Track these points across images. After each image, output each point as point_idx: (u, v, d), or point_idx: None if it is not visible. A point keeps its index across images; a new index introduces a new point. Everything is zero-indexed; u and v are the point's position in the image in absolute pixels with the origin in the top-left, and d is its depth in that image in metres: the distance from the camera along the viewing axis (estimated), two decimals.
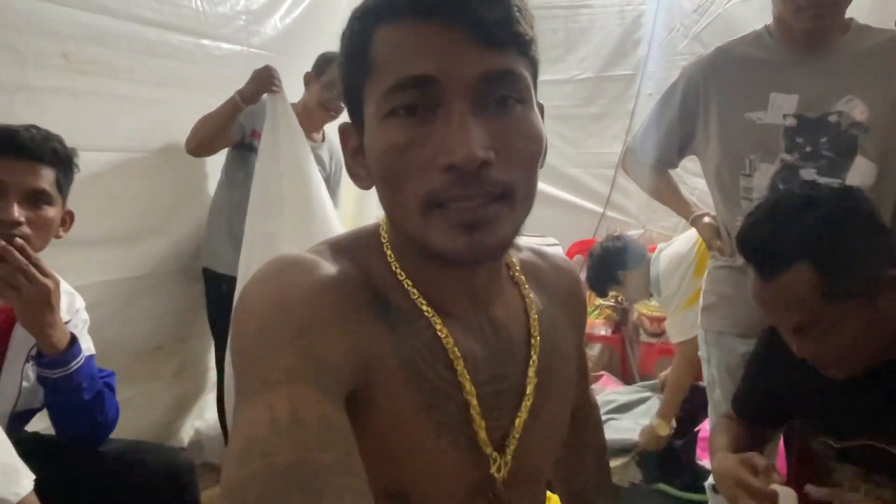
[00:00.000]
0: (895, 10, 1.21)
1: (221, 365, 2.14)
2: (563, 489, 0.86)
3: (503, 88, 0.51)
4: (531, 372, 0.62)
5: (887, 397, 0.94)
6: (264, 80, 1.93)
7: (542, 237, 3.11)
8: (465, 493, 0.59)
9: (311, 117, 2.20)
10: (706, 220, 1.43)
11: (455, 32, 0.49)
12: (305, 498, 0.40)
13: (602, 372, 2.80)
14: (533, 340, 0.63)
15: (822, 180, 1.22)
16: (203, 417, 2.42)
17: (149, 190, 2.07)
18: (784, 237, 0.93)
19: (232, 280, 1.95)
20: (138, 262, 2.07)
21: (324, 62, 2.18)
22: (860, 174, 1.20)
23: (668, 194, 1.54)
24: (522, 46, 0.53)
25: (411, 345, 0.56)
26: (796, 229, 0.92)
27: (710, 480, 1.45)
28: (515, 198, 0.52)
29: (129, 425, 1.95)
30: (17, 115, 1.59)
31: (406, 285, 0.59)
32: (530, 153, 0.53)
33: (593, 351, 2.92)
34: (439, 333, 0.57)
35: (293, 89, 2.14)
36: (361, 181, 0.60)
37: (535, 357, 0.63)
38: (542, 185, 3.15)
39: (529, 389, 0.62)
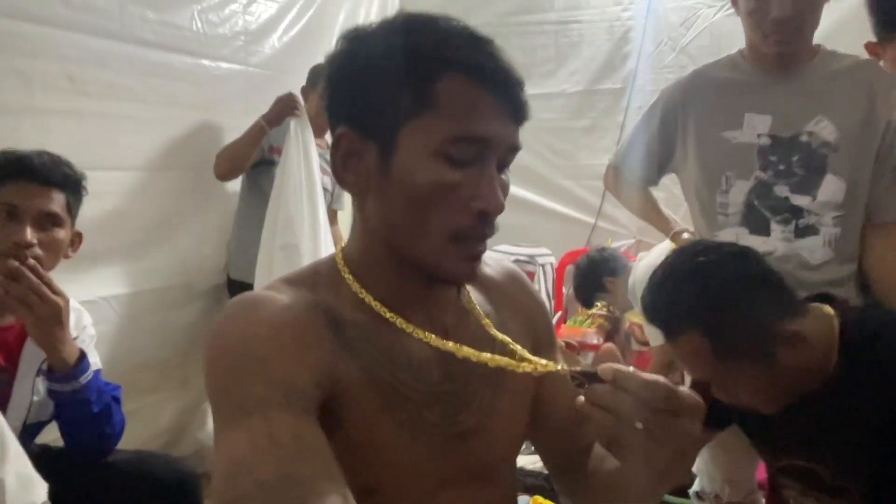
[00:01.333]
0: (854, 37, 1.27)
1: None
2: (577, 476, 0.83)
3: (510, 159, 0.64)
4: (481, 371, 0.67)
5: (809, 424, 0.99)
6: (287, 105, 2.08)
7: (536, 247, 3.17)
8: (431, 484, 0.65)
9: (313, 128, 2.28)
10: (685, 235, 1.49)
11: (505, 108, 0.61)
12: None
13: None
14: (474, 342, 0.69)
15: (795, 197, 1.28)
16: (206, 428, 2.46)
17: (152, 207, 2.12)
18: (674, 306, 0.99)
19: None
20: (142, 277, 2.12)
21: (317, 76, 2.27)
22: (830, 191, 1.27)
23: (649, 211, 1.60)
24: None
25: (369, 353, 0.63)
26: (685, 298, 0.97)
27: (695, 486, 1.50)
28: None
29: (135, 436, 1.98)
30: (23, 136, 1.65)
31: (367, 300, 0.65)
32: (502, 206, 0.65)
33: (587, 360, 2.95)
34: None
35: None
36: (348, 186, 0.65)
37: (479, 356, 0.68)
38: (535, 197, 3.24)
39: (479, 387, 0.69)
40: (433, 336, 0.64)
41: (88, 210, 1.33)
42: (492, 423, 0.69)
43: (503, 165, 0.64)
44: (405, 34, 0.61)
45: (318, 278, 0.67)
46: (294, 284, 0.66)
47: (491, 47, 0.61)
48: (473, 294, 0.74)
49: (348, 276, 0.66)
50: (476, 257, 0.63)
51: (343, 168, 0.64)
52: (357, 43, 0.63)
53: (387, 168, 0.61)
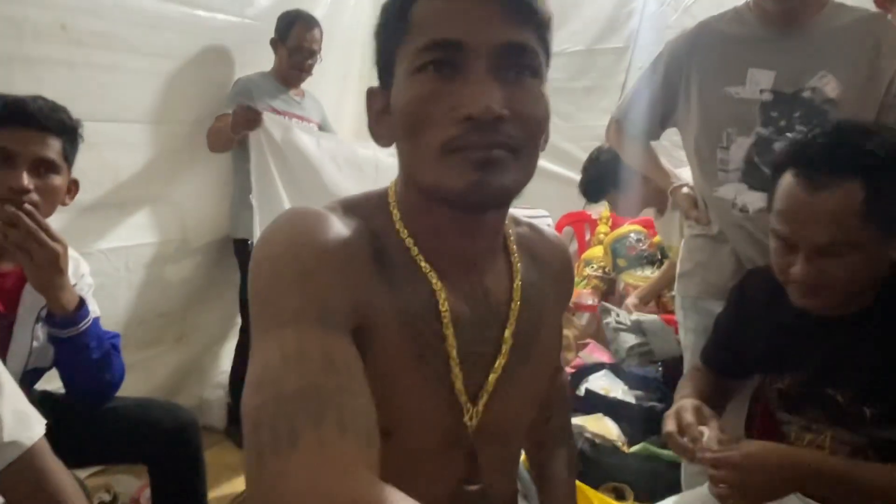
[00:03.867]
0: None
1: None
2: (526, 442, 0.92)
3: (520, 60, 0.58)
4: (507, 334, 0.68)
5: (840, 346, 1.00)
6: (246, 122, 2.10)
7: (533, 209, 3.16)
8: (440, 436, 0.66)
9: (287, 79, 2.34)
10: (685, 190, 1.49)
11: (489, 4, 0.57)
12: (309, 417, 0.46)
13: (589, 340, 2.87)
14: (513, 306, 0.69)
15: None
16: (203, 383, 2.49)
17: (146, 160, 2.11)
18: (845, 152, 0.92)
19: None
20: (138, 230, 2.12)
21: (285, 26, 2.29)
22: None
23: (650, 165, 1.59)
24: (540, 26, 0.60)
25: (408, 300, 0.62)
26: (858, 147, 0.92)
27: None
28: (521, 154, 0.59)
29: (132, 390, 1.97)
30: (14, 85, 1.62)
31: (408, 244, 0.65)
32: (538, 120, 0.60)
33: (581, 320, 2.98)
34: (435, 292, 0.63)
35: None
36: (382, 140, 0.66)
37: (512, 321, 0.68)
38: None
39: (504, 349, 0.68)
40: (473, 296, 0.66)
41: (83, 161, 1.32)
42: (513, 389, 0.69)
43: (510, 71, 0.58)
44: None
45: (370, 207, 0.67)
46: (350, 209, 0.65)
47: None
48: (522, 260, 0.73)
49: (395, 215, 0.66)
50: (481, 165, 0.56)
51: (377, 124, 0.66)
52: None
53: (389, 104, 0.63)
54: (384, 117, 0.64)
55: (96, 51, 1.86)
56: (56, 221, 1.23)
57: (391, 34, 0.61)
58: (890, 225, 0.92)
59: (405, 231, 0.65)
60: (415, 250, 0.65)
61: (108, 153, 1.97)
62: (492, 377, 0.67)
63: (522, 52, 0.58)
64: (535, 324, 0.71)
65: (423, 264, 0.64)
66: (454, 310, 0.64)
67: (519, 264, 0.72)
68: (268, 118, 2.13)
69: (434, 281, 0.64)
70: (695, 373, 1.25)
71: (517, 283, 0.70)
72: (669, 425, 1.00)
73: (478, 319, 0.66)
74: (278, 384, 0.48)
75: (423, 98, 0.58)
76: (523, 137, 0.58)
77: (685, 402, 1.03)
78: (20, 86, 1.63)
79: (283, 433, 0.45)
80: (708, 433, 0.96)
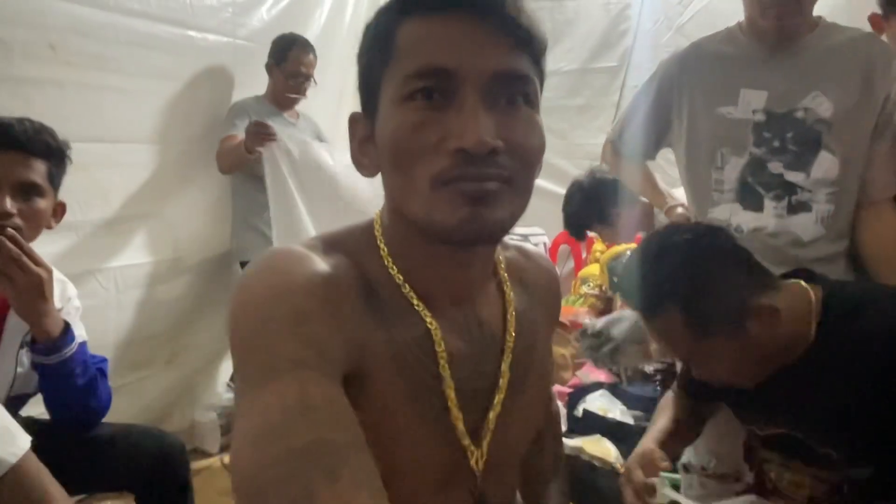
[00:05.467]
0: (864, 9, 1.25)
1: None
2: (519, 477, 0.89)
3: (514, 88, 0.55)
4: (504, 367, 0.65)
5: (793, 393, 1.00)
6: (257, 137, 2.08)
7: (528, 227, 3.15)
8: (441, 479, 0.63)
9: (282, 103, 2.35)
10: (679, 210, 1.48)
11: (479, 28, 0.53)
12: (325, 476, 0.43)
13: (586, 359, 2.84)
14: (508, 337, 0.67)
15: (788, 173, 1.27)
16: (194, 404, 2.46)
17: (138, 180, 2.10)
18: (650, 283, 1.00)
19: None
20: (129, 251, 2.10)
21: (280, 50, 2.30)
22: (824, 168, 1.26)
23: (645, 185, 1.59)
24: (536, 53, 0.57)
25: (401, 340, 0.59)
26: (660, 274, 0.99)
27: (682, 459, 1.51)
28: (515, 186, 0.56)
29: (122, 412, 1.97)
30: (2, 106, 1.60)
31: (397, 280, 0.61)
32: (533, 150, 0.57)
33: (578, 339, 2.95)
34: (430, 329, 0.60)
35: None
36: (366, 170, 0.62)
37: (509, 353, 0.66)
38: None
39: (502, 383, 0.65)
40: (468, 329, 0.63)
41: (73, 182, 1.30)
42: (512, 422, 0.66)
43: (502, 99, 0.55)
44: (380, 9, 0.60)
45: (354, 243, 0.63)
46: (332, 245, 0.62)
47: None
48: (513, 288, 0.70)
49: (383, 249, 0.63)
50: (474, 198, 0.53)
51: (359, 152, 0.63)
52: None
53: (374, 134, 0.60)
54: (368, 146, 0.61)
55: (86, 71, 1.85)
56: (45, 243, 1.22)
57: (375, 59, 0.58)
58: (723, 328, 0.96)
59: (394, 266, 0.62)
60: (406, 287, 0.62)
61: (99, 173, 1.95)
62: (492, 415, 0.64)
63: (517, 80, 0.56)
64: (529, 352, 0.69)
65: (414, 301, 0.61)
66: (450, 347, 0.62)
67: (511, 293, 0.69)
68: (283, 134, 2.12)
69: (428, 319, 0.61)
70: (673, 399, 1.25)
71: (511, 312, 0.68)
72: (628, 497, 1.03)
73: (474, 354, 0.64)
74: (284, 439, 0.45)
75: (411, 128, 0.54)
76: (518, 168, 0.56)
77: (633, 461, 1.07)
78: (9, 107, 1.60)
79: (298, 494, 0.42)
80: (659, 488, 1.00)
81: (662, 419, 1.20)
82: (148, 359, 2.23)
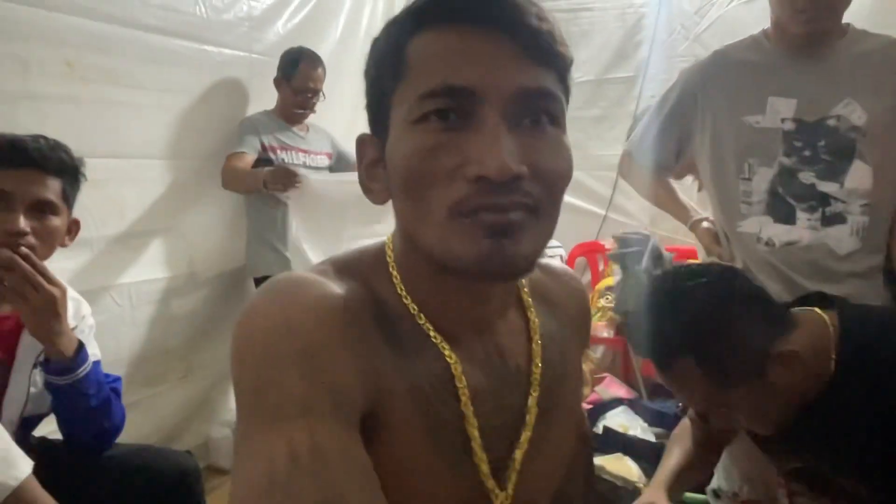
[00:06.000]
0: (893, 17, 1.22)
1: None
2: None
3: (540, 106, 0.51)
4: (531, 402, 0.60)
5: (815, 429, 0.96)
6: (286, 183, 2.10)
7: None
8: None
9: (290, 117, 2.33)
10: (705, 224, 1.43)
11: (500, 43, 0.49)
12: None
13: (605, 374, 2.80)
14: (535, 368, 0.62)
15: (821, 184, 1.23)
16: (209, 420, 2.43)
17: (153, 195, 2.09)
18: (662, 334, 0.96)
19: None
20: (144, 266, 2.09)
21: (290, 64, 2.28)
22: (858, 177, 1.21)
23: (666, 199, 1.54)
24: (562, 69, 0.52)
25: (420, 374, 0.55)
26: (672, 325, 0.94)
27: (712, 484, 1.45)
28: (540, 215, 0.51)
29: (137, 428, 1.96)
30: (20, 123, 1.62)
31: (412, 310, 0.57)
32: (559, 174, 0.52)
33: (596, 353, 2.91)
34: (449, 363, 0.56)
35: None
36: (375, 195, 0.57)
37: (535, 386, 0.61)
38: None
39: (529, 419, 0.60)
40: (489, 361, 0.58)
41: (88, 198, 1.29)
42: (539, 461, 0.61)
43: (526, 118, 0.50)
44: (389, 22, 0.55)
45: (367, 268, 0.58)
46: (343, 270, 0.57)
47: None
48: (538, 311, 0.65)
49: (395, 276, 0.58)
50: (495, 231, 0.48)
51: (368, 176, 0.58)
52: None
53: (384, 157, 0.55)
54: (377, 169, 0.56)
55: (102, 87, 1.85)
56: (60, 259, 1.21)
57: (384, 76, 0.53)
58: (742, 378, 0.93)
59: (408, 296, 0.57)
60: (421, 317, 0.57)
61: (114, 189, 1.95)
62: (518, 454, 0.59)
63: (542, 98, 0.50)
64: (558, 381, 0.64)
65: (431, 332, 0.56)
66: (471, 382, 0.56)
67: (536, 319, 0.64)
68: (306, 181, 2.13)
69: (447, 353, 0.56)
70: (687, 429, 1.21)
71: (536, 340, 0.63)
72: None
73: (496, 388, 0.59)
74: (292, 494, 0.41)
75: (426, 152, 0.49)
76: (544, 195, 0.50)
77: None
78: (25, 122, 1.62)
79: None
80: None
81: (674, 456, 1.16)
82: (162, 374, 2.22)
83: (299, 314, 0.50)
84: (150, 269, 2.11)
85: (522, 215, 0.49)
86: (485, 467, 0.56)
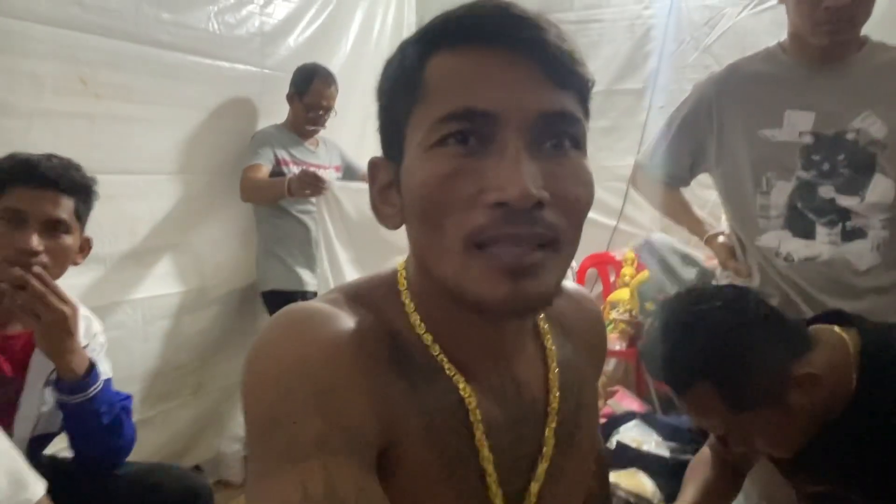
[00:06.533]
0: None
1: None
2: None
3: (562, 130, 0.49)
4: (548, 433, 0.59)
5: (836, 450, 0.94)
6: (314, 189, 2.10)
7: None
8: None
9: (301, 133, 2.33)
10: (721, 239, 1.41)
11: (521, 65, 0.47)
12: None
13: (617, 387, 2.76)
14: (552, 398, 0.60)
15: (841, 198, 1.21)
16: (220, 435, 2.43)
17: (165, 210, 2.10)
18: (678, 359, 0.95)
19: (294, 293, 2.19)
20: (156, 281, 2.09)
21: (303, 80, 2.28)
22: (879, 191, 1.20)
23: (680, 212, 1.53)
24: (583, 90, 0.51)
25: (434, 407, 0.53)
26: (688, 350, 0.93)
27: None
28: (561, 246, 0.49)
29: (151, 443, 1.97)
30: (34, 139, 1.63)
31: (426, 340, 0.55)
32: (581, 202, 0.50)
33: (608, 366, 2.88)
34: (463, 397, 0.54)
35: None
36: (388, 220, 0.55)
37: (553, 416, 0.59)
38: None
39: (546, 451, 0.58)
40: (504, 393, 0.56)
41: (101, 213, 1.30)
42: (556, 489, 0.59)
43: (547, 142, 0.48)
44: (404, 42, 0.53)
45: (380, 298, 0.56)
46: (355, 300, 0.55)
47: (488, 5, 0.48)
48: (553, 336, 0.63)
49: (409, 306, 0.56)
50: (516, 271, 0.46)
51: (381, 200, 0.56)
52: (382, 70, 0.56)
53: (399, 182, 0.53)
54: (391, 193, 0.54)
55: (116, 103, 1.86)
56: (72, 275, 1.20)
57: (399, 98, 0.52)
58: (761, 401, 0.91)
59: (422, 326, 0.55)
60: (435, 348, 0.55)
61: (126, 205, 1.95)
62: (534, 487, 0.57)
63: (563, 122, 0.49)
64: (575, 410, 0.62)
65: (446, 365, 0.55)
66: (486, 415, 0.55)
67: (552, 347, 0.62)
68: (334, 186, 2.13)
69: (461, 385, 0.54)
70: (707, 459, 1.18)
71: (553, 369, 0.61)
72: None
73: (512, 419, 0.57)
74: None
75: (443, 178, 0.47)
76: (565, 225, 0.48)
77: None
78: (39, 139, 1.63)
79: None
80: None
81: (693, 485, 1.14)
82: (174, 390, 2.21)
83: (314, 352, 0.48)
84: (161, 285, 2.11)
85: (542, 254, 0.47)
86: (500, 503, 0.55)
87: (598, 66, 3.15)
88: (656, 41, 3.09)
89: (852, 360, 0.93)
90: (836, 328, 0.97)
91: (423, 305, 0.56)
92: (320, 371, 0.47)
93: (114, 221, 1.89)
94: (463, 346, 0.56)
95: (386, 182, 0.55)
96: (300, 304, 0.54)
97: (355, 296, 0.56)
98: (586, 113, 0.52)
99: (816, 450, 0.95)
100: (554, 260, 0.48)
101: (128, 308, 1.99)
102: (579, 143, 0.51)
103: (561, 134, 0.49)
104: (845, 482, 0.97)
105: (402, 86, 0.52)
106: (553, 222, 0.47)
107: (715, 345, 0.92)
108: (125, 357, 1.90)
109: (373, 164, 0.57)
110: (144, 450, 1.91)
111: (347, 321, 0.52)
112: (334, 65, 2.44)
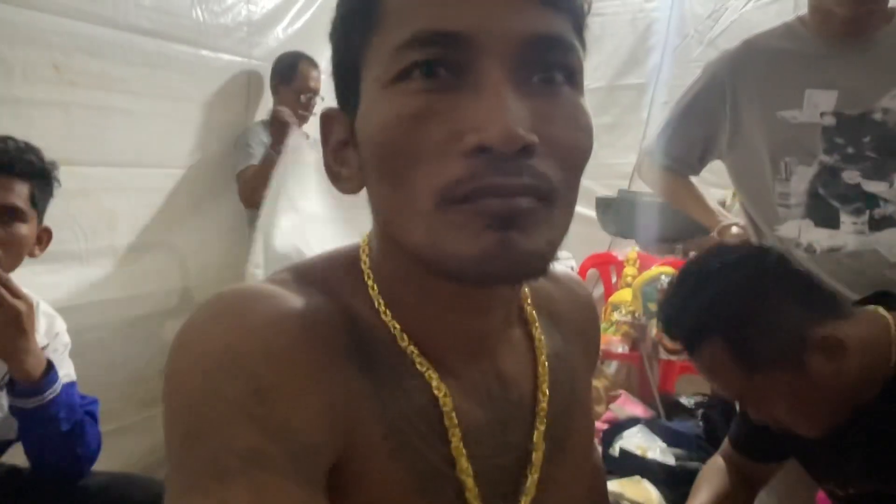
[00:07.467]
0: None
1: None
2: None
3: (554, 59, 0.40)
4: (537, 437, 0.50)
5: (876, 442, 0.87)
6: (283, 123, 2.08)
7: None
8: None
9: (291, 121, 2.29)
10: (734, 230, 1.32)
11: None
12: None
13: (620, 391, 2.70)
14: (541, 396, 0.51)
15: (868, 183, 1.12)
16: None
17: (145, 206, 2.03)
18: (690, 311, 0.91)
19: None
20: (135, 280, 2.01)
21: (287, 67, 2.24)
22: None
23: (689, 201, 1.43)
24: (578, 17, 0.41)
25: (400, 411, 0.44)
26: (701, 302, 0.89)
27: None
28: (555, 203, 0.40)
29: (130, 451, 1.90)
30: (3, 128, 1.53)
31: (392, 329, 0.46)
32: (578, 149, 0.41)
33: (611, 369, 2.82)
34: (437, 396, 0.45)
35: None
36: (345, 183, 0.46)
37: (542, 419, 0.51)
38: None
39: (536, 458, 0.50)
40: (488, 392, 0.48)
41: (76, 208, 1.21)
42: (548, 497, 0.50)
43: (536, 75, 0.39)
44: None
45: (338, 279, 0.47)
46: (308, 280, 0.46)
47: None
48: (542, 325, 0.54)
49: (372, 288, 0.47)
50: (501, 221, 0.37)
51: (334, 159, 0.46)
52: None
53: (354, 135, 0.44)
54: (346, 152, 0.45)
55: (92, 92, 1.78)
56: (46, 273, 1.13)
57: (353, 30, 0.42)
58: (775, 363, 0.85)
59: (388, 312, 0.46)
60: (404, 338, 0.46)
61: (105, 199, 1.87)
62: (524, 500, 0.48)
63: (555, 49, 0.39)
64: (567, 409, 0.53)
65: (417, 359, 0.45)
66: (464, 418, 0.46)
67: (541, 336, 0.53)
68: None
69: (434, 382, 0.45)
70: (718, 468, 1.11)
71: (542, 361, 0.52)
72: None
73: (495, 423, 0.48)
74: None
75: (407, 120, 0.38)
76: (560, 176, 0.39)
77: None
78: (8, 128, 1.52)
79: None
80: None
81: (703, 494, 1.06)
82: (158, 396, 2.10)
83: (249, 341, 0.39)
84: (142, 284, 2.03)
85: (533, 202, 0.38)
86: None
87: (601, 61, 3.12)
88: (659, 35, 3.05)
89: (893, 340, 0.86)
90: (879, 308, 0.91)
91: (390, 287, 0.47)
92: (256, 366, 0.38)
93: (91, 217, 1.82)
94: (437, 336, 0.47)
95: (341, 138, 0.46)
96: (238, 285, 0.44)
97: (308, 275, 0.47)
98: (582, 45, 0.42)
99: (850, 438, 0.88)
100: (547, 214, 0.39)
101: (106, 308, 1.90)
102: (574, 78, 0.41)
103: (552, 65, 0.40)
104: (886, 479, 0.89)
105: (356, 13, 0.42)
106: (545, 171, 0.38)
107: (726, 298, 0.88)
108: (105, 360, 1.81)
109: (325, 117, 0.47)
110: (126, 458, 1.82)
111: (294, 303, 0.43)
112: (324, 56, 2.36)
